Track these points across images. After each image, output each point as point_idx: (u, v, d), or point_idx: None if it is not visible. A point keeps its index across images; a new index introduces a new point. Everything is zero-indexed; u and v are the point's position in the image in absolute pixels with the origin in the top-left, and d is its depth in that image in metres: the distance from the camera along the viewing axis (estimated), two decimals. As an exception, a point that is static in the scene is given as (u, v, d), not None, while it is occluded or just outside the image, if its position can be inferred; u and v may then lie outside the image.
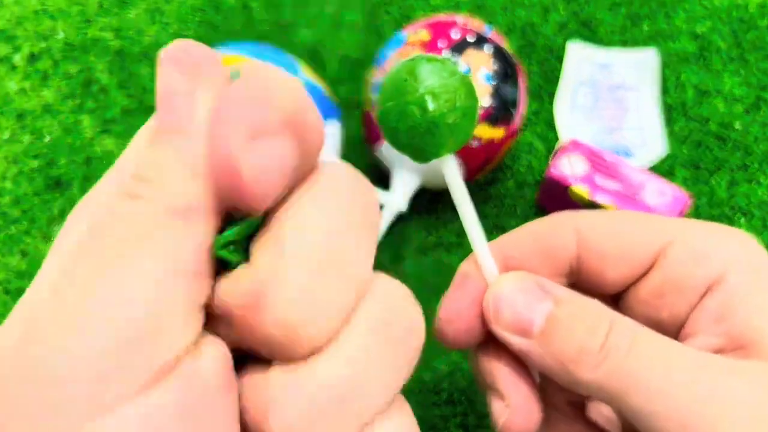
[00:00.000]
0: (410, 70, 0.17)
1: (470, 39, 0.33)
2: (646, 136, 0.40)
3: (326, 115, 0.33)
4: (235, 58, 0.32)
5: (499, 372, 0.20)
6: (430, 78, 0.17)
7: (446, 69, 0.17)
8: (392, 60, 0.33)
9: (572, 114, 0.42)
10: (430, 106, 0.17)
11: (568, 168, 0.35)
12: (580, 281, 0.21)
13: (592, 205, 0.34)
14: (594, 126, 0.41)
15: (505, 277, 0.20)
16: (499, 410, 0.19)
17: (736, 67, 0.43)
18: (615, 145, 0.40)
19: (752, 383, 0.16)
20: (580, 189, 0.34)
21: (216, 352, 0.13)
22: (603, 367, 0.17)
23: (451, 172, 0.19)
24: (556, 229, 0.21)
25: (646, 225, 0.20)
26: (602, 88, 0.43)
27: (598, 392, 0.17)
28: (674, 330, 0.19)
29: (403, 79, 0.17)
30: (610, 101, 0.42)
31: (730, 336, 0.18)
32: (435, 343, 0.34)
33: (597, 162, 0.35)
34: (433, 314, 0.35)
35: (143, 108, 0.42)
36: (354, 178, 0.15)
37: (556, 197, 0.36)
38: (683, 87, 0.43)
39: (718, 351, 0.18)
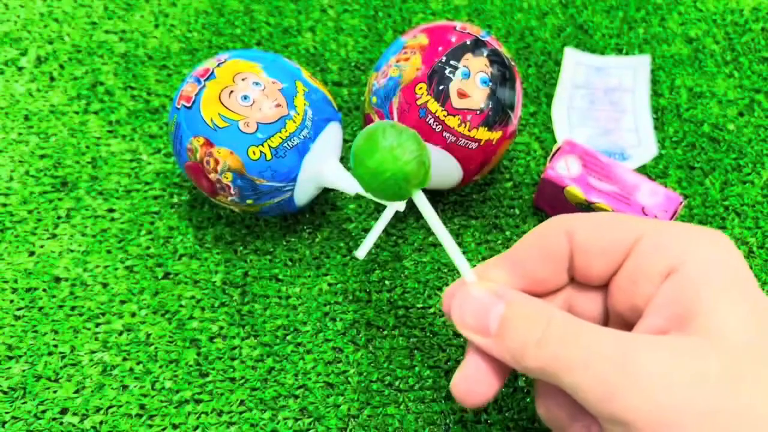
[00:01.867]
0: (374, 134, 0.23)
1: (468, 43, 0.33)
2: (641, 137, 0.41)
3: (328, 117, 0.34)
4: (240, 63, 0.33)
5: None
6: (390, 138, 0.23)
7: (400, 130, 0.23)
8: (391, 63, 0.34)
9: (569, 116, 0.42)
10: (399, 158, 0.23)
11: (565, 169, 0.36)
12: (577, 277, 0.24)
13: (588, 206, 0.35)
14: (590, 128, 0.42)
15: (469, 286, 0.24)
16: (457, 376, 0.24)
17: (730, 70, 0.44)
18: (611, 146, 0.41)
19: (663, 353, 0.19)
20: (576, 190, 0.35)
21: None
22: (541, 355, 0.21)
23: (421, 202, 0.24)
24: (550, 233, 0.24)
25: (622, 224, 0.23)
26: (598, 90, 0.43)
27: (543, 376, 0.21)
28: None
29: (373, 140, 0.23)
30: (605, 103, 0.43)
31: (676, 316, 0.20)
32: (433, 340, 0.35)
33: (591, 163, 0.36)
34: (433, 312, 0.36)
35: (148, 110, 0.43)
36: None
37: (552, 198, 0.37)
38: (678, 89, 0.44)
39: (662, 331, 0.20)
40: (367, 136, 0.23)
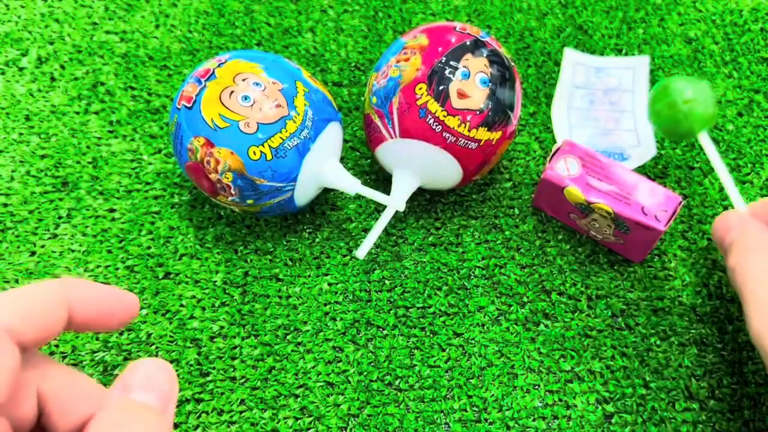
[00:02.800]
0: (669, 84, 0.34)
1: (468, 44, 0.34)
2: (641, 137, 0.41)
3: (328, 118, 0.34)
4: (240, 63, 0.33)
5: None
6: (685, 86, 0.33)
7: (694, 80, 0.34)
8: (391, 64, 0.34)
9: (569, 116, 0.42)
10: (687, 100, 0.33)
11: (564, 170, 0.36)
12: None
13: (587, 206, 0.35)
14: (590, 128, 0.42)
15: (731, 212, 0.32)
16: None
17: (729, 70, 0.44)
18: (610, 146, 0.41)
19: None
20: (575, 190, 0.35)
21: None
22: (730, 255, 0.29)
23: (705, 142, 0.34)
24: None
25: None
26: (597, 91, 0.43)
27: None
28: None
29: (667, 89, 0.34)
30: (605, 104, 0.43)
31: None
32: (433, 340, 0.35)
33: (591, 163, 0.36)
34: (433, 311, 0.36)
35: (149, 110, 0.43)
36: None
37: (551, 198, 0.37)
38: (677, 90, 0.44)
39: None
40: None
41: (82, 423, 0.22)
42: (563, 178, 0.35)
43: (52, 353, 0.34)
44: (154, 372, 0.21)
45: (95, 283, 0.23)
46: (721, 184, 0.40)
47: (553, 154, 0.36)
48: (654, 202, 0.34)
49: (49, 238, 0.38)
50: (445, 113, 0.32)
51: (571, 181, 0.35)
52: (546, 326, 0.35)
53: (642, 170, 0.40)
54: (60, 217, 0.39)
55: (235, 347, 0.35)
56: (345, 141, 0.42)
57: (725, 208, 0.39)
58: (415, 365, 0.34)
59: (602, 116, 0.42)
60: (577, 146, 0.36)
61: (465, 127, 0.33)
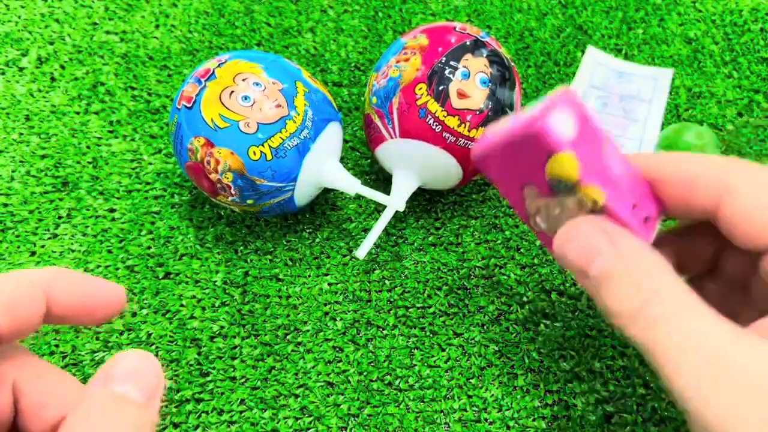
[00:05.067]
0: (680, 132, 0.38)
1: (468, 44, 0.34)
2: (643, 149, 0.41)
3: (328, 118, 0.34)
4: (240, 63, 0.33)
5: None
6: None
7: (700, 130, 0.38)
8: (391, 64, 0.34)
9: None
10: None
11: (564, 127, 0.22)
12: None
13: (570, 186, 0.22)
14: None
15: (586, 218, 0.22)
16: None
17: (729, 70, 0.44)
18: None
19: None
20: (571, 159, 0.22)
21: None
22: (637, 329, 0.19)
23: None
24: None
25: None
26: (614, 95, 0.43)
27: (636, 345, 0.20)
28: None
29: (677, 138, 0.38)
30: (619, 110, 0.43)
31: None
32: (433, 340, 0.35)
33: (586, 133, 0.23)
34: (433, 311, 0.36)
35: (149, 110, 0.43)
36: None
37: (515, 159, 0.24)
38: (677, 90, 0.44)
39: None
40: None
41: (59, 421, 0.20)
42: (561, 139, 0.22)
43: (51, 353, 0.34)
44: (137, 364, 0.20)
45: (79, 272, 0.22)
46: None
47: (545, 106, 0.23)
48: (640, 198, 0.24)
49: (49, 238, 0.38)
50: (445, 113, 0.32)
51: (570, 146, 0.22)
52: (546, 326, 0.35)
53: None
54: (60, 217, 0.39)
55: (235, 347, 0.35)
56: (345, 141, 0.42)
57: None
58: (415, 365, 0.34)
59: (612, 121, 0.42)
60: (578, 101, 0.23)
61: (465, 127, 0.33)
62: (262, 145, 0.31)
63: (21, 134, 0.42)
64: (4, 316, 0.19)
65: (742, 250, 0.22)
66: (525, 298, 0.36)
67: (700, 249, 0.25)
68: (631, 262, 0.20)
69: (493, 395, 0.33)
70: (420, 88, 0.33)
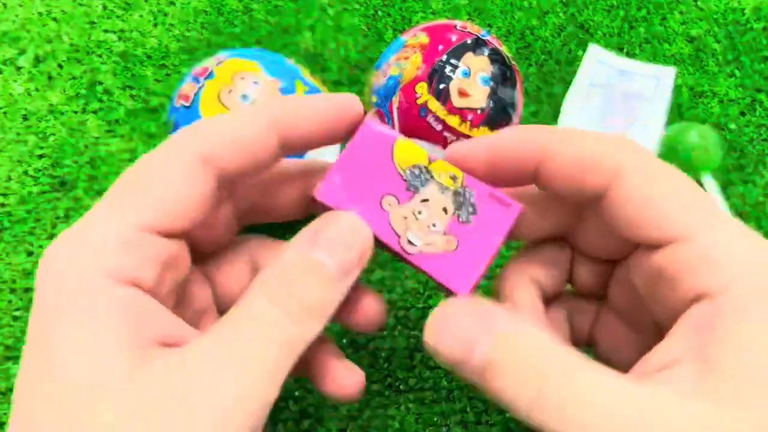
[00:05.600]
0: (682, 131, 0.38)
1: (469, 42, 0.33)
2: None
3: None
4: (239, 62, 0.33)
5: None
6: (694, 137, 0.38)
7: (703, 129, 0.39)
8: (391, 62, 0.34)
9: (579, 114, 0.42)
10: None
11: (385, 128, 0.22)
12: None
13: (424, 169, 0.21)
14: (595, 129, 0.42)
15: (454, 301, 0.19)
16: None
17: (732, 70, 0.44)
18: None
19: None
20: (411, 143, 0.22)
21: None
22: (534, 416, 0.16)
23: (709, 184, 0.38)
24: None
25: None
26: (616, 93, 0.43)
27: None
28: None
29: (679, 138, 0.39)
30: (621, 108, 0.42)
31: (712, 363, 0.16)
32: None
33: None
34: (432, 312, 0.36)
35: (147, 109, 0.43)
36: None
37: (362, 171, 0.22)
38: (679, 89, 0.43)
39: (687, 379, 0.16)
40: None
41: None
42: (390, 130, 0.22)
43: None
44: (346, 234, 0.19)
45: (305, 97, 0.21)
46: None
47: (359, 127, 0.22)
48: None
49: (47, 239, 0.38)
50: (445, 112, 0.32)
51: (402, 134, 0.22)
52: (547, 327, 0.35)
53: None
54: (58, 218, 0.38)
55: (234, 348, 0.34)
56: (345, 140, 0.41)
57: (728, 208, 0.39)
58: (416, 366, 0.34)
59: (613, 120, 0.42)
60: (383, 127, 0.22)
61: (466, 125, 0.32)
62: (261, 145, 0.31)
63: (18, 134, 0.42)
64: (229, 153, 0.19)
65: (596, 261, 0.22)
66: (526, 299, 0.36)
67: (557, 267, 0.24)
68: (513, 347, 0.17)
69: (494, 397, 0.33)
70: (420, 87, 0.32)
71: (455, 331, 0.18)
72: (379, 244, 0.22)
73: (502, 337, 0.17)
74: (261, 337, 0.17)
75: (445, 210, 0.21)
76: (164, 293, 0.19)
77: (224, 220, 0.22)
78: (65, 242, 0.18)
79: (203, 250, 0.22)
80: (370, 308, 0.23)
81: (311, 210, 0.24)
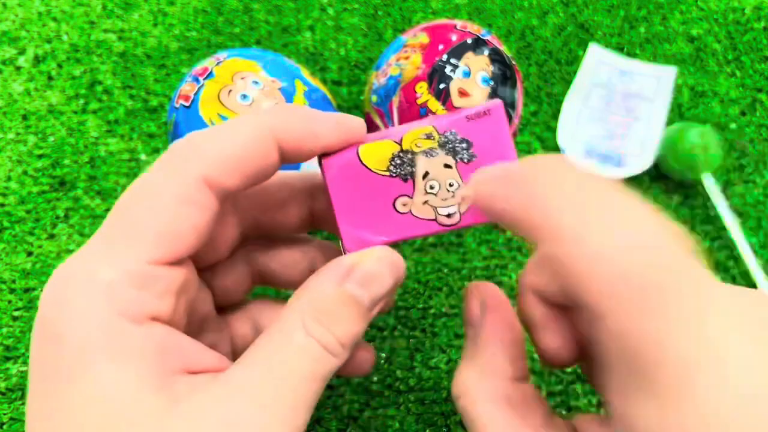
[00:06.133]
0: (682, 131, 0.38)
1: (469, 42, 0.33)
2: (645, 148, 0.40)
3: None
4: (239, 62, 0.33)
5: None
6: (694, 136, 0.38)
7: (703, 129, 0.38)
8: (392, 62, 0.34)
9: (580, 114, 0.42)
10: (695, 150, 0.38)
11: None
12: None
13: (404, 153, 0.21)
14: (597, 129, 0.41)
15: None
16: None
17: (732, 69, 0.44)
18: (608, 151, 0.41)
19: None
20: (375, 143, 0.21)
21: None
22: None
23: (709, 184, 0.38)
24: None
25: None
26: (617, 93, 0.43)
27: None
28: None
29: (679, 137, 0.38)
30: (621, 108, 0.42)
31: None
32: (434, 341, 0.35)
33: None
34: (434, 312, 0.36)
35: (147, 109, 0.43)
36: None
37: (357, 194, 0.21)
38: (679, 89, 0.43)
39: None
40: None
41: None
42: (346, 153, 0.21)
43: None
44: (379, 272, 0.20)
45: (302, 107, 0.21)
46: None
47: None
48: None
49: (47, 239, 0.38)
50: (445, 112, 0.32)
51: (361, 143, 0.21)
52: (548, 327, 0.35)
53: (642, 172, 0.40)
54: (57, 217, 0.38)
55: (234, 348, 0.34)
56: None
57: (728, 208, 0.39)
58: (416, 367, 0.34)
59: (614, 120, 0.42)
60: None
61: (466, 126, 0.32)
62: (261, 145, 0.31)
63: (18, 134, 0.42)
64: (229, 170, 0.19)
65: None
66: (526, 299, 0.36)
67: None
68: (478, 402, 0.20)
69: (494, 397, 0.33)
70: (421, 87, 0.32)
71: (459, 384, 0.20)
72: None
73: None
74: (299, 370, 0.18)
75: (447, 165, 0.21)
76: (179, 318, 0.19)
77: (228, 233, 0.22)
78: (73, 281, 0.17)
79: (206, 263, 0.22)
80: (364, 360, 0.24)
81: (315, 227, 0.24)
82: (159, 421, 0.16)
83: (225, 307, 0.24)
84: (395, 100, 0.33)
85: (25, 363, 0.34)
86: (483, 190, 0.18)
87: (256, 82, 0.32)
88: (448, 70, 0.32)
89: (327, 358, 0.18)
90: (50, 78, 0.44)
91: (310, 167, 0.33)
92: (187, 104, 0.32)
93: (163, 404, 0.16)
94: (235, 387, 0.17)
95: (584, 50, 0.45)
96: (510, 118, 0.34)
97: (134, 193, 0.18)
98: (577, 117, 0.42)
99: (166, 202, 0.18)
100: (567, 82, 0.44)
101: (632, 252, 0.15)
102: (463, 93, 0.32)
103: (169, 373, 0.17)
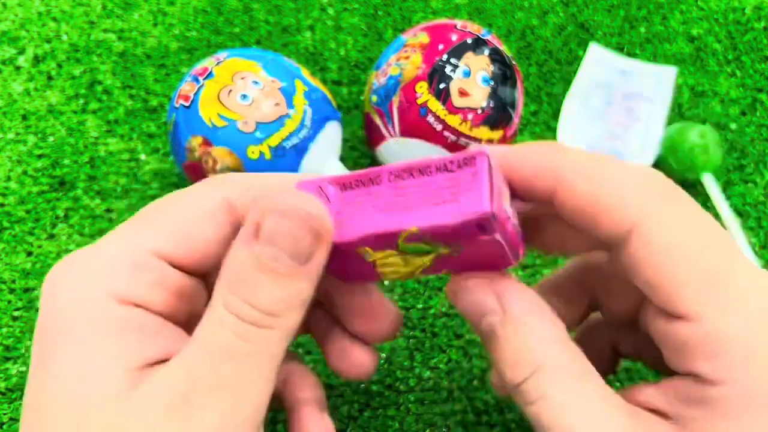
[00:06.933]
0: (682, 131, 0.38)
1: (469, 42, 0.33)
2: (645, 148, 0.40)
3: (327, 117, 0.34)
4: (239, 62, 0.33)
5: None
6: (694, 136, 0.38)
7: (703, 129, 0.38)
8: (392, 62, 0.34)
9: (580, 114, 0.42)
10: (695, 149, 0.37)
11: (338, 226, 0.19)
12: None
13: (425, 249, 0.19)
14: (598, 129, 0.41)
15: (466, 280, 0.20)
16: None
17: (732, 69, 0.44)
18: (609, 151, 0.41)
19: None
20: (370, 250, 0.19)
21: None
22: (519, 397, 0.18)
23: (709, 183, 0.38)
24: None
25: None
26: (617, 93, 0.43)
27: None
28: None
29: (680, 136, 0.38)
30: (621, 108, 0.42)
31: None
32: (434, 341, 0.35)
33: (353, 182, 0.19)
34: (433, 312, 0.36)
35: (147, 109, 0.43)
36: None
37: (348, 266, 0.20)
38: (679, 88, 0.43)
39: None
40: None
41: None
42: (348, 234, 0.18)
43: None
44: (287, 227, 0.17)
45: (260, 174, 0.21)
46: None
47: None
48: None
49: (46, 239, 0.38)
50: (445, 112, 0.32)
51: (357, 232, 0.18)
52: (548, 327, 0.35)
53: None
54: (57, 217, 0.38)
55: (234, 349, 0.34)
56: (345, 140, 0.41)
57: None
58: (415, 367, 0.34)
59: (615, 119, 0.42)
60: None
61: (466, 125, 0.32)
62: (261, 144, 0.31)
63: (18, 134, 0.42)
64: (181, 248, 0.18)
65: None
66: (527, 299, 0.36)
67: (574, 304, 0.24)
68: (518, 330, 0.18)
69: (494, 397, 0.33)
70: (421, 87, 0.32)
71: (471, 297, 0.19)
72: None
73: (509, 317, 0.19)
74: (225, 346, 0.17)
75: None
76: (178, 319, 0.19)
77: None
78: (73, 261, 0.18)
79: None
80: (360, 358, 0.23)
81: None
82: (106, 402, 0.16)
83: None
84: (395, 100, 0.33)
85: (25, 363, 0.34)
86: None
87: (256, 82, 0.32)
88: (448, 69, 0.32)
89: (251, 330, 0.17)
90: (50, 78, 0.44)
91: (321, 169, 0.33)
92: (187, 104, 0.32)
93: (116, 386, 0.16)
94: (175, 366, 0.17)
95: (584, 50, 0.45)
96: (510, 119, 0.34)
97: (164, 199, 0.19)
98: (577, 117, 0.42)
99: (187, 209, 0.19)
100: (567, 82, 0.44)
101: None
102: (463, 93, 0.32)
103: (138, 357, 0.17)
